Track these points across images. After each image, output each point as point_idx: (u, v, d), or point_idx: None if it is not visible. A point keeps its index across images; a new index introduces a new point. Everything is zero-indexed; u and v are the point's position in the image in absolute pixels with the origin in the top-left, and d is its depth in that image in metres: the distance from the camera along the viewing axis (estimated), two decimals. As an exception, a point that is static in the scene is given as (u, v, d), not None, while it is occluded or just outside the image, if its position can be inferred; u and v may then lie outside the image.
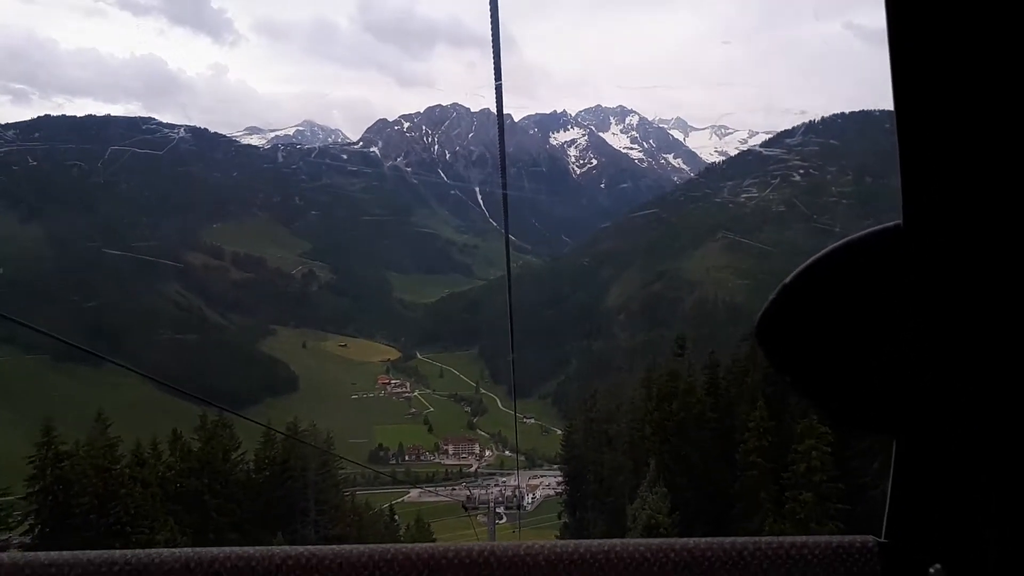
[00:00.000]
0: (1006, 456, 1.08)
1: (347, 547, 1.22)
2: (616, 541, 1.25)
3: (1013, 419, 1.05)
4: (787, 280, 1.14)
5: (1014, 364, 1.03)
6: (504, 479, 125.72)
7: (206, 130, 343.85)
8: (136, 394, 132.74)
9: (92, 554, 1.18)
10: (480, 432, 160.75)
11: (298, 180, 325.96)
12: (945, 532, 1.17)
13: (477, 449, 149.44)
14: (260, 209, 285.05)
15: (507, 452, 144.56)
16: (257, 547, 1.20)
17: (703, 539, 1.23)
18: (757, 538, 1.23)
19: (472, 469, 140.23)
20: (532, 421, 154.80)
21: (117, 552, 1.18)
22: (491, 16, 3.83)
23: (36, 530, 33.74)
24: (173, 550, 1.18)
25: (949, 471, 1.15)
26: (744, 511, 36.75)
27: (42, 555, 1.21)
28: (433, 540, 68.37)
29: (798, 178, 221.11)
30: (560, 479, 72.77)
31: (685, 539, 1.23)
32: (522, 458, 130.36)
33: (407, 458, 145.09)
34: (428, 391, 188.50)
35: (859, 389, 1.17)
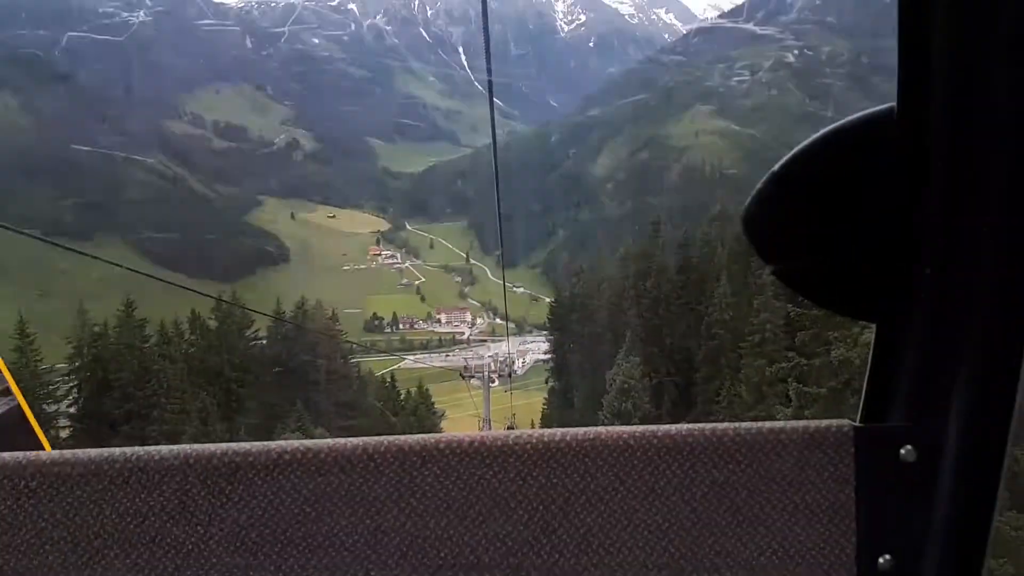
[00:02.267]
0: (985, 345, 1.09)
1: (341, 440, 1.24)
2: (601, 429, 1.27)
3: (995, 308, 1.07)
4: (775, 168, 1.14)
5: (1000, 252, 1.04)
6: (495, 345, 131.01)
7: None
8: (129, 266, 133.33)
9: (93, 452, 1.20)
10: (471, 301, 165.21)
11: (274, 41, 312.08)
12: (918, 416, 1.19)
13: (469, 317, 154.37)
14: (237, 74, 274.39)
15: (498, 320, 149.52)
16: (254, 442, 1.22)
17: (684, 425, 1.25)
18: (737, 424, 1.26)
19: (464, 336, 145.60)
20: (521, 290, 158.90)
21: (116, 450, 1.21)
22: None
23: (80, 403, 36.76)
24: (172, 447, 1.20)
25: (926, 358, 1.17)
26: (707, 376, 40.91)
27: (43, 454, 1.21)
28: (432, 404, 72.94)
29: (792, 59, 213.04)
30: (548, 346, 77.07)
31: (668, 426, 1.26)
32: (512, 325, 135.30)
33: (401, 327, 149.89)
34: (419, 262, 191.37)
35: (843, 277, 1.19)
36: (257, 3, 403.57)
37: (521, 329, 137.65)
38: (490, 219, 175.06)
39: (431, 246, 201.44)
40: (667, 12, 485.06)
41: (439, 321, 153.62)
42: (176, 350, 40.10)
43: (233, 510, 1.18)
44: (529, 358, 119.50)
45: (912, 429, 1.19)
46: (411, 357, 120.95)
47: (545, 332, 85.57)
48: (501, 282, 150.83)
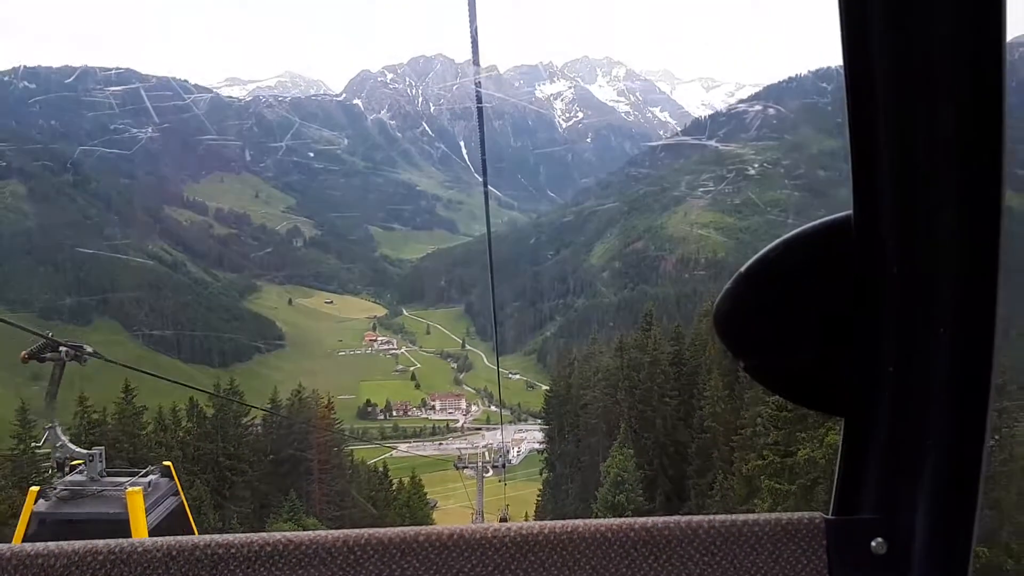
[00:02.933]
0: (951, 436, 1.14)
1: (323, 533, 1.25)
2: (579, 521, 1.29)
3: (959, 403, 1.11)
4: (742, 269, 1.21)
5: (956, 350, 1.08)
6: (490, 434, 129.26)
7: (186, 82, 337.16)
8: (125, 352, 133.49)
9: (77, 544, 1.20)
10: (466, 388, 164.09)
11: (281, 133, 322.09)
12: (887, 509, 1.22)
13: (463, 404, 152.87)
14: (243, 163, 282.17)
15: (493, 407, 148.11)
16: (236, 534, 1.21)
17: (660, 518, 1.27)
18: (711, 516, 1.29)
19: (459, 424, 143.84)
20: (517, 377, 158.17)
21: (100, 542, 1.19)
22: None
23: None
24: (155, 539, 1.19)
25: (893, 452, 1.21)
26: (699, 469, 40.66)
27: (28, 546, 1.21)
28: (424, 494, 71.49)
29: (752, 172, 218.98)
30: (543, 435, 76.33)
31: (644, 519, 1.27)
32: (507, 413, 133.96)
33: (395, 413, 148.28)
34: (414, 348, 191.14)
35: (810, 373, 1.24)
36: (264, 97, 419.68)
37: (516, 417, 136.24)
38: (486, 305, 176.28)
39: (427, 331, 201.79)
40: (662, 111, 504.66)
41: (433, 408, 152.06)
42: (172, 437, 40.53)
43: None
44: (524, 447, 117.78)
45: (882, 521, 1.23)
46: (404, 446, 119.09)
47: (540, 420, 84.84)
48: (496, 368, 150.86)
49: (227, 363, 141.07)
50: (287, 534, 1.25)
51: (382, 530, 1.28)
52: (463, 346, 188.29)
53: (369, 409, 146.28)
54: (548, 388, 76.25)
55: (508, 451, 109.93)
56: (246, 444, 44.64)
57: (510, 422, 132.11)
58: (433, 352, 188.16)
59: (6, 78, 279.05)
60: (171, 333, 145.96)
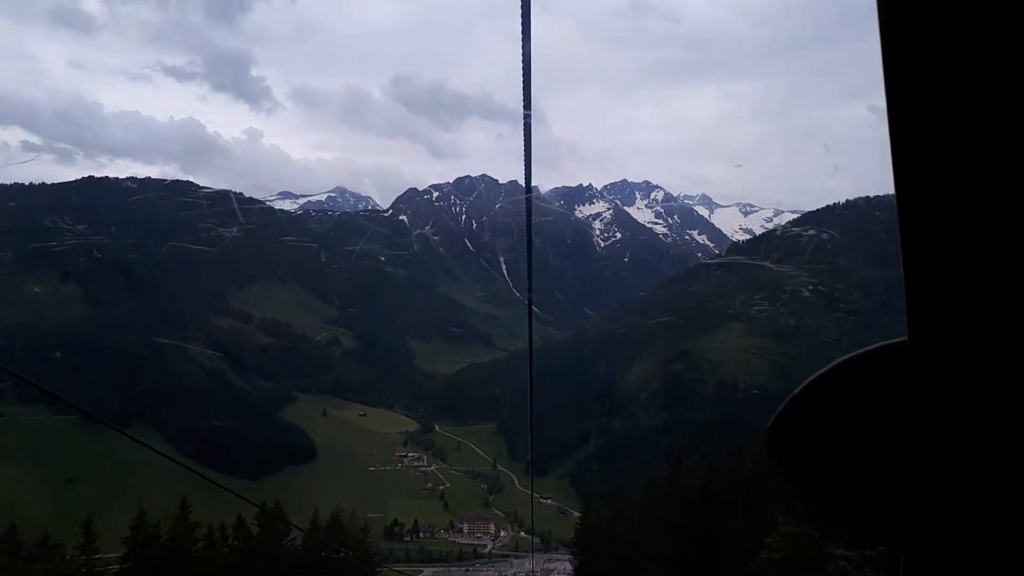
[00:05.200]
0: (1012, 566, 1.08)
1: None
2: None
3: (1019, 535, 1.06)
4: (796, 392, 1.19)
5: (1018, 480, 1.04)
6: (518, 561, 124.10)
7: (240, 194, 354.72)
8: (161, 458, 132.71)
9: None
10: (496, 511, 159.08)
11: (327, 246, 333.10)
12: None
13: (492, 529, 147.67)
14: (289, 274, 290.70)
15: (523, 533, 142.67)
16: None
17: None
18: None
19: (486, 549, 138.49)
20: (549, 502, 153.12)
21: None
22: (523, 91, 4.20)
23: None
24: None
25: None
26: None
27: None
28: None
29: (807, 294, 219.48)
30: (572, 567, 73.41)
31: None
32: (538, 539, 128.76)
33: (421, 535, 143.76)
34: (445, 466, 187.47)
35: (867, 501, 1.20)
36: (314, 211, 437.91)
37: (547, 544, 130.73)
38: (520, 424, 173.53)
39: (458, 448, 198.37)
40: (700, 234, 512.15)
41: (461, 531, 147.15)
42: (219, 554, 43.45)
43: None
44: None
45: None
46: (431, 570, 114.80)
47: (571, 551, 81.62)
48: (528, 491, 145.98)
49: (257, 475, 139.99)
50: None
51: None
52: (494, 466, 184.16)
53: (396, 529, 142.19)
54: (580, 515, 73.88)
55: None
56: (286, 563, 46.19)
57: (540, 549, 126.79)
58: (463, 471, 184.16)
59: (78, 188, 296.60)
60: (207, 437, 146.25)
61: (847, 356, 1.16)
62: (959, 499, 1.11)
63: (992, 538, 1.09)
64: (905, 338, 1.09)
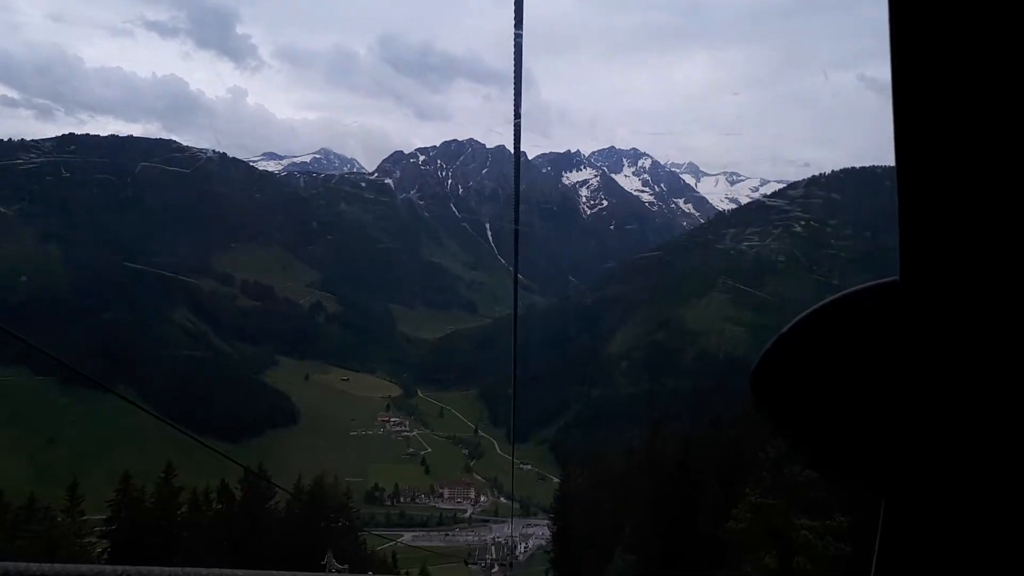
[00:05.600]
0: (999, 519, 1.08)
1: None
2: None
3: (1009, 482, 1.06)
4: (783, 330, 1.16)
5: (1007, 424, 1.04)
6: (497, 527, 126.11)
7: (224, 154, 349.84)
8: (141, 420, 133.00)
9: (84, 568, 1.20)
10: (476, 476, 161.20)
11: (312, 208, 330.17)
12: None
13: (472, 494, 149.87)
14: (272, 236, 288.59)
15: (503, 499, 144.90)
16: (246, 570, 1.47)
17: None
18: None
19: (467, 514, 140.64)
20: (529, 467, 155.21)
21: (108, 567, 1.19)
22: (515, 56, 4.07)
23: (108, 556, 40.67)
24: (164, 568, 1.17)
25: (936, 532, 1.16)
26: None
27: (34, 566, 1.22)
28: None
29: (799, 229, 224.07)
30: (550, 533, 74.98)
31: None
32: (517, 505, 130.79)
33: (402, 499, 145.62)
34: (427, 431, 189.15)
35: (851, 443, 1.18)
36: (299, 173, 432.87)
37: (526, 510, 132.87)
38: (502, 390, 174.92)
39: (440, 414, 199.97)
40: (686, 203, 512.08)
41: (442, 496, 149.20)
42: (203, 517, 44.81)
43: None
44: (532, 543, 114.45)
45: None
46: (410, 535, 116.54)
47: (550, 516, 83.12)
48: (509, 457, 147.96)
49: (239, 438, 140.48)
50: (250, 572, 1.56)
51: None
52: (476, 432, 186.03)
53: (377, 493, 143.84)
54: (558, 487, 75.29)
55: (515, 547, 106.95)
56: (270, 528, 47.55)
57: (519, 515, 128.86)
58: (445, 436, 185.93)
59: (54, 145, 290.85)
60: (188, 401, 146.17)
61: (836, 295, 1.14)
62: (947, 442, 1.10)
63: (979, 484, 1.09)
64: (896, 277, 1.08)
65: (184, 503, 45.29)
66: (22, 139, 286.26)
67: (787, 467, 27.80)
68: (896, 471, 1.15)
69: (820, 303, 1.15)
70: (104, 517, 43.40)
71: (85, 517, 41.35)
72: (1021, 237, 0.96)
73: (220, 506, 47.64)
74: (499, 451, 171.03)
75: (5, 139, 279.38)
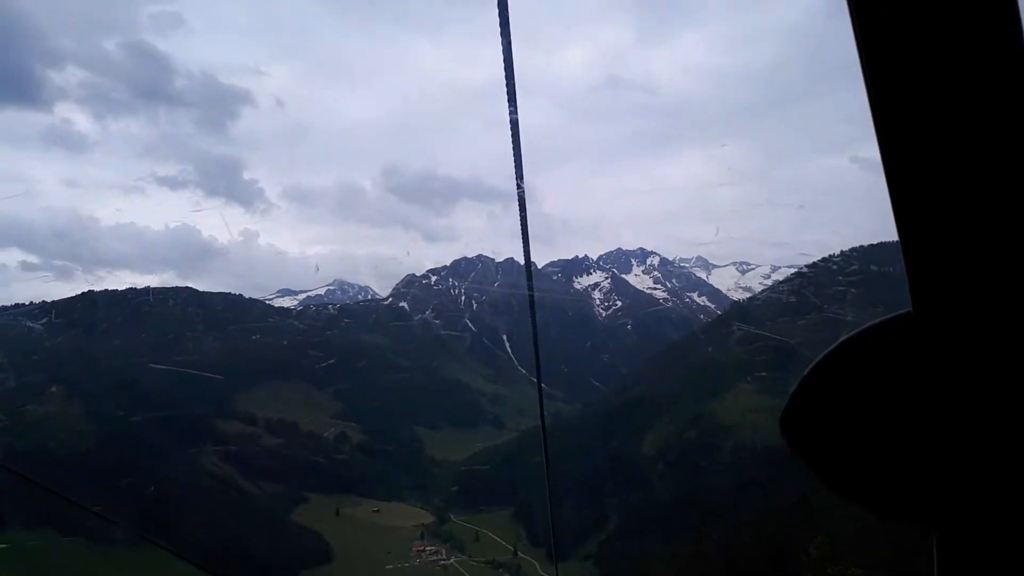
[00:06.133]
0: None
1: None
2: None
3: None
4: (806, 373, 1.19)
5: None
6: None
7: (240, 295, 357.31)
8: (174, 573, 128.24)
9: None
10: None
11: (330, 339, 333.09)
12: None
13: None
14: (293, 371, 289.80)
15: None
16: None
17: None
18: None
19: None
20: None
21: None
22: (515, 164, 4.23)
23: None
24: None
25: (992, 563, 1.12)
26: None
27: None
28: None
29: (815, 310, 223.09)
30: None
31: None
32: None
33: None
34: (464, 557, 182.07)
35: (892, 479, 1.16)
36: (314, 306, 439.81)
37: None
38: (538, 506, 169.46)
39: (476, 538, 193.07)
40: (700, 296, 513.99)
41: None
42: None
43: None
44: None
45: None
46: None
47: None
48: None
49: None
50: None
51: None
52: (515, 554, 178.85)
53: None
54: None
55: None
56: None
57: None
58: (484, 562, 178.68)
59: (78, 304, 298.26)
60: (219, 548, 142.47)
61: (853, 332, 1.16)
62: (986, 467, 1.08)
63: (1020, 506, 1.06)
64: (910, 309, 1.09)
65: None
66: (43, 301, 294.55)
67: (831, 567, 26.84)
68: (939, 502, 1.13)
69: (839, 341, 1.18)
70: None
71: None
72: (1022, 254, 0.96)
73: None
74: (541, 572, 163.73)
75: (26, 302, 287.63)
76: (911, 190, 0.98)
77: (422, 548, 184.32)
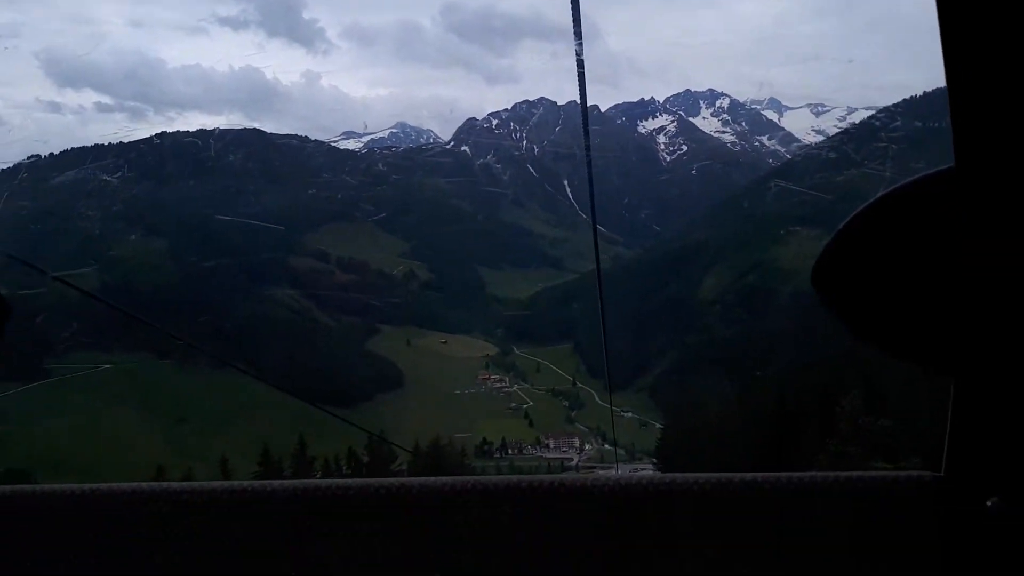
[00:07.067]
0: None
1: (372, 481, 1.31)
2: (679, 476, 1.30)
3: None
4: (842, 225, 1.20)
5: None
6: (604, 473, 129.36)
7: (306, 137, 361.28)
8: (259, 394, 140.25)
9: (125, 486, 1.30)
10: (579, 426, 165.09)
11: (395, 182, 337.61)
12: (1003, 466, 1.20)
13: (577, 443, 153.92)
14: (359, 212, 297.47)
15: (607, 446, 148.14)
16: (284, 481, 1.29)
17: (764, 474, 1.30)
18: (813, 472, 1.31)
19: (573, 463, 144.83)
20: (630, 415, 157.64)
21: (145, 485, 1.29)
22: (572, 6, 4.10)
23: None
24: (283, 481, 1.27)
25: (1007, 407, 1.19)
26: None
27: (75, 487, 1.31)
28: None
29: (891, 155, 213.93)
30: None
31: (747, 474, 1.30)
32: (621, 452, 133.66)
33: (510, 452, 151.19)
34: (526, 386, 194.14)
35: (917, 328, 1.21)
36: (379, 149, 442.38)
37: (631, 456, 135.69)
38: (596, 342, 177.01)
39: (538, 369, 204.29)
40: (770, 139, 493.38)
41: (547, 447, 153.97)
42: None
43: (326, 540, 1.28)
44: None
45: (996, 479, 1.21)
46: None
47: (654, 461, 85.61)
48: (608, 406, 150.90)
49: (352, 401, 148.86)
50: (336, 481, 1.34)
51: (429, 479, 1.34)
52: (574, 384, 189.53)
53: (485, 447, 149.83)
54: (659, 436, 77.84)
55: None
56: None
57: (625, 461, 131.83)
58: (545, 390, 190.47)
59: (144, 146, 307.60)
60: (302, 377, 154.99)
61: (892, 186, 1.15)
62: (1011, 324, 1.11)
63: None
64: (952, 165, 1.07)
65: (318, 471, 48.62)
66: (120, 141, 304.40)
67: (861, 418, 29.43)
68: (962, 351, 1.19)
69: (877, 195, 1.17)
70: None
71: None
72: None
73: (349, 471, 50.07)
74: (598, 401, 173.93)
75: (105, 143, 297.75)
76: (964, 35, 0.96)
77: (487, 377, 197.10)
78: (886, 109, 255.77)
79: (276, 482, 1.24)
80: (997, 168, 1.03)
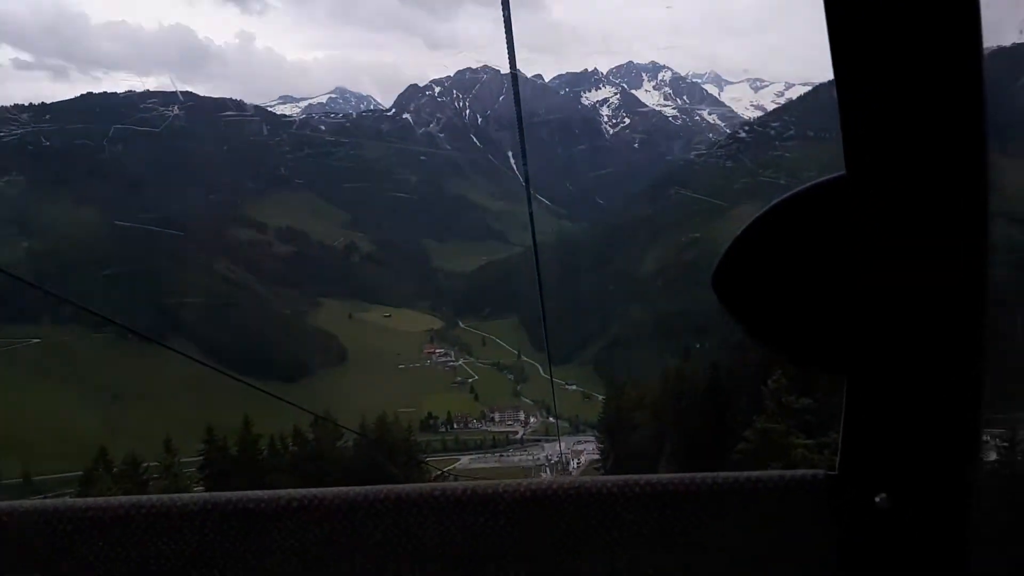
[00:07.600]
0: (948, 391, 1.18)
1: (344, 489, 1.35)
2: (587, 479, 1.34)
3: (954, 356, 1.15)
4: (739, 232, 1.26)
5: (953, 303, 1.13)
6: (548, 445, 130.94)
7: (241, 101, 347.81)
8: (199, 371, 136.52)
9: (123, 499, 1.31)
10: (524, 399, 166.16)
11: (335, 150, 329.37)
12: (891, 464, 1.26)
13: (522, 416, 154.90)
14: (299, 181, 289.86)
15: (551, 419, 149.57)
16: (265, 491, 1.32)
17: (665, 475, 1.36)
18: (715, 473, 1.36)
19: (518, 436, 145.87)
20: (574, 388, 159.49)
21: (143, 497, 1.29)
22: None
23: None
24: (192, 495, 1.27)
25: (896, 406, 1.24)
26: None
27: (78, 501, 1.33)
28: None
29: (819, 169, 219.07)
30: (598, 450, 79.32)
31: (649, 475, 1.34)
32: (565, 424, 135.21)
33: (455, 426, 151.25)
34: (471, 359, 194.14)
35: (810, 331, 1.27)
36: (317, 114, 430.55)
37: (575, 429, 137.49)
38: (540, 316, 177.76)
39: (483, 343, 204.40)
40: (710, 113, 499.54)
41: (493, 420, 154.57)
42: (283, 461, 47.67)
43: (247, 554, 1.30)
44: (584, 459, 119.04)
45: (886, 477, 1.26)
46: (466, 458, 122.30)
47: (596, 435, 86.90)
48: (551, 380, 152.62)
49: (294, 378, 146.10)
50: (312, 490, 1.37)
51: (398, 487, 1.37)
52: (519, 357, 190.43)
53: (431, 422, 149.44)
54: (601, 409, 78.87)
55: (568, 462, 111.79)
56: (341, 466, 50.07)
57: (569, 433, 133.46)
58: (490, 364, 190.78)
59: (69, 107, 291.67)
60: (241, 347, 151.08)
61: (788, 193, 1.20)
62: (901, 327, 1.18)
63: (931, 365, 1.18)
64: (843, 172, 1.14)
65: (264, 449, 48.45)
66: (42, 102, 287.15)
67: (784, 396, 31.02)
68: (854, 353, 1.24)
69: (772, 202, 1.23)
70: (196, 468, 46.38)
71: (185, 471, 43.98)
72: (957, 123, 1.01)
73: (296, 449, 50.42)
74: (543, 375, 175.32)
75: (26, 103, 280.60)
76: (853, 46, 1.00)
77: (432, 350, 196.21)
78: (824, 84, 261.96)
79: (187, 495, 1.24)
80: (887, 175, 1.09)
